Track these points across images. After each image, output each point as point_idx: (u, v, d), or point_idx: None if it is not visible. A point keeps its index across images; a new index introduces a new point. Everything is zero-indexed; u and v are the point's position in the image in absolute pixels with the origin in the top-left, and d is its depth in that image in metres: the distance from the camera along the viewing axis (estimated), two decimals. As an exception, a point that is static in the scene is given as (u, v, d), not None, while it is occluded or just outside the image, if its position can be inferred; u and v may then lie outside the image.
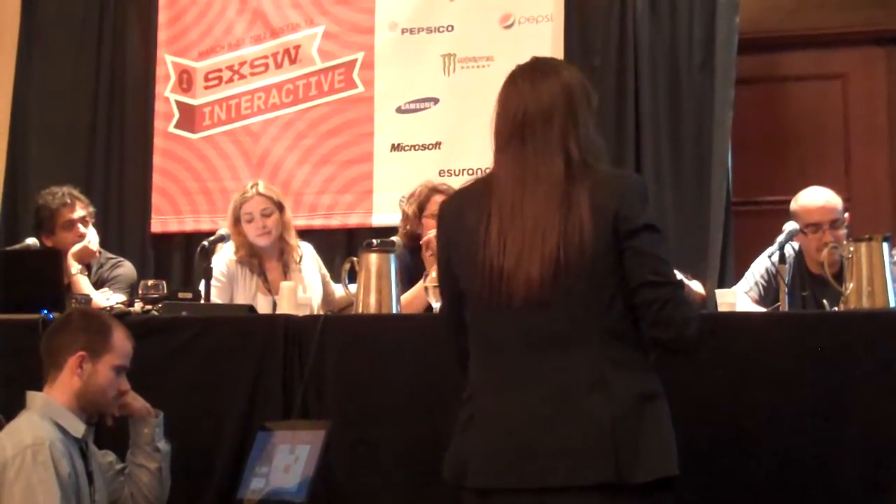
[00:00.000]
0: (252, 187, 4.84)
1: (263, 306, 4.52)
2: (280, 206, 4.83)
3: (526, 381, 2.45)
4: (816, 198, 4.50)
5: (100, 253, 5.03)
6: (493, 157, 2.58)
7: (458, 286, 2.59)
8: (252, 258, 4.77)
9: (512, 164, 2.51)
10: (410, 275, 4.34)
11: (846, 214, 4.54)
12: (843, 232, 4.42)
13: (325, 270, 4.91)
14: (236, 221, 4.77)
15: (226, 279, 4.71)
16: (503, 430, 2.45)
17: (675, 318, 2.47)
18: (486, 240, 2.47)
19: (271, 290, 4.66)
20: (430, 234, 4.48)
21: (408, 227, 4.68)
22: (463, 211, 2.57)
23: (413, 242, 4.62)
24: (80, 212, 4.97)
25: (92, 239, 4.94)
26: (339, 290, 4.75)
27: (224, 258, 4.76)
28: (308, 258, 4.85)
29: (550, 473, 2.39)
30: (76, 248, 4.85)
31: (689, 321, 2.49)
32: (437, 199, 4.64)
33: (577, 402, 2.41)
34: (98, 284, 4.89)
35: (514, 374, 2.47)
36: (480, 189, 2.56)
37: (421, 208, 4.65)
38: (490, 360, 2.53)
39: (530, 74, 2.58)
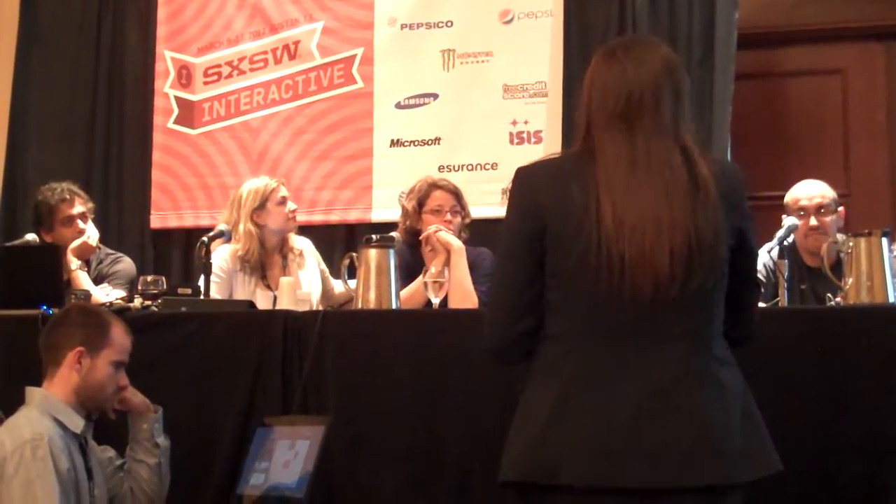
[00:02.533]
0: (273, 180, 4.83)
1: (263, 302, 4.52)
2: None
3: (635, 374, 2.28)
4: (803, 185, 4.65)
5: (99, 248, 5.04)
6: (591, 133, 2.38)
7: (544, 260, 2.36)
8: (255, 252, 4.76)
9: (619, 144, 2.32)
10: (410, 270, 4.34)
11: (840, 209, 4.58)
12: (830, 219, 4.49)
13: (324, 266, 4.91)
14: (261, 206, 4.74)
15: (225, 275, 4.71)
16: (608, 426, 2.26)
17: (757, 315, 2.53)
18: (600, 219, 2.27)
19: (271, 285, 4.65)
20: (430, 229, 4.48)
21: (407, 222, 4.67)
22: (562, 181, 2.35)
23: (412, 238, 4.62)
24: (79, 207, 4.98)
25: (91, 234, 4.94)
26: (338, 286, 4.75)
27: (222, 254, 4.75)
28: (308, 253, 4.85)
29: (658, 473, 2.24)
30: (75, 243, 4.86)
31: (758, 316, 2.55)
32: (437, 194, 4.64)
33: (687, 399, 2.28)
34: (97, 280, 4.89)
35: (623, 367, 2.29)
36: (577, 163, 2.36)
37: (421, 204, 4.65)
38: (596, 350, 2.31)
39: (633, 51, 2.42)
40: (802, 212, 4.53)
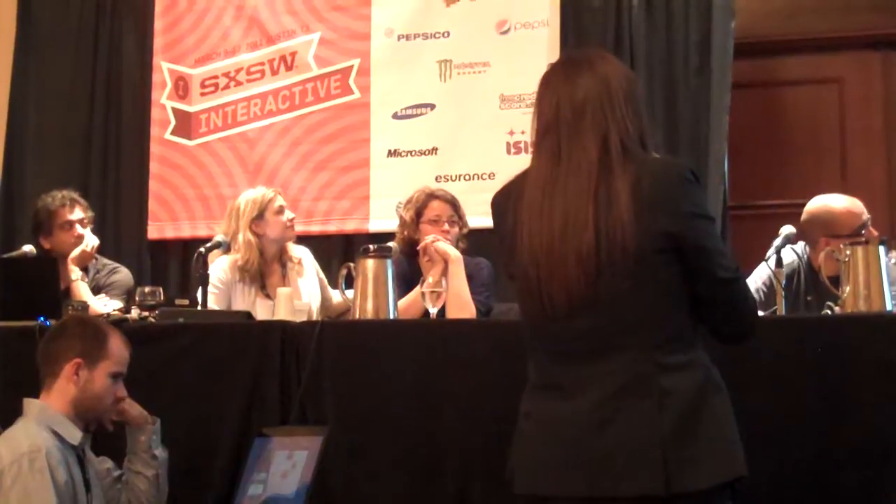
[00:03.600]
0: (270, 190, 4.83)
1: (263, 311, 4.52)
2: None
3: (573, 387, 2.34)
4: (853, 202, 4.47)
5: (96, 259, 5.04)
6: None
7: None
8: (255, 262, 4.75)
9: (545, 158, 2.39)
10: (407, 281, 4.34)
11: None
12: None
13: (322, 275, 4.91)
14: (259, 216, 4.75)
15: (223, 286, 4.70)
16: (549, 438, 2.36)
17: (748, 312, 2.47)
18: (520, 243, 2.37)
19: (270, 294, 4.65)
20: (428, 239, 4.48)
21: (405, 233, 4.67)
22: (506, 205, 2.45)
23: (410, 249, 4.62)
24: (79, 213, 5.00)
25: (90, 241, 4.95)
26: (336, 296, 4.74)
27: (221, 265, 4.75)
28: (306, 262, 4.84)
29: (596, 483, 2.28)
30: (75, 252, 4.86)
31: (755, 311, 2.52)
32: (435, 204, 4.64)
33: (624, 409, 2.29)
34: (95, 291, 4.89)
35: (561, 381, 2.36)
36: (518, 186, 2.44)
37: (419, 214, 4.65)
38: (539, 366, 2.43)
39: (563, 70, 2.46)
40: (861, 228, 4.36)
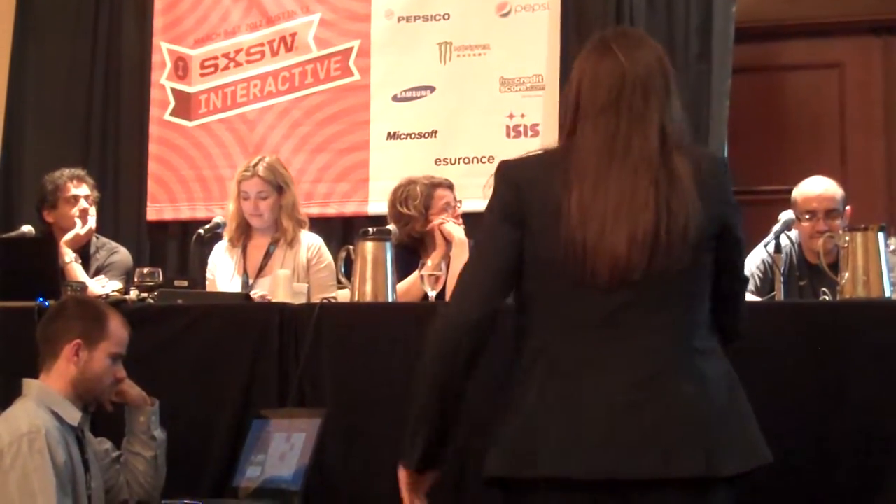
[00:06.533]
0: (255, 165, 4.75)
1: (234, 285, 4.51)
2: (280, 188, 4.74)
3: (612, 366, 2.27)
4: (815, 186, 4.52)
5: (97, 237, 5.05)
6: (576, 124, 2.39)
7: (517, 256, 2.35)
8: (241, 234, 4.74)
9: (601, 133, 2.33)
10: (408, 272, 4.30)
11: (847, 208, 4.54)
12: (839, 222, 4.42)
13: (322, 267, 4.74)
14: (237, 190, 4.75)
15: (211, 276, 4.71)
16: (584, 417, 2.25)
17: (746, 312, 2.52)
18: (568, 210, 2.28)
19: (247, 270, 4.63)
20: (437, 220, 4.48)
21: (416, 227, 4.61)
22: (544, 178, 2.35)
23: (414, 243, 4.61)
24: (85, 189, 5.02)
25: (87, 225, 4.95)
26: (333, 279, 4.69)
27: (216, 250, 4.76)
28: (304, 250, 4.74)
29: (637, 464, 2.22)
30: (69, 236, 4.86)
31: (747, 312, 2.54)
32: (440, 192, 4.63)
33: (666, 389, 2.26)
34: (95, 271, 4.90)
35: (599, 360, 2.28)
36: (560, 158, 2.37)
37: (427, 206, 4.62)
38: (567, 341, 2.31)
39: (624, 43, 2.40)
40: (810, 214, 4.47)
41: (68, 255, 4.79)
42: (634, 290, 2.27)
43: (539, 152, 2.48)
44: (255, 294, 4.11)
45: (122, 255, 5.09)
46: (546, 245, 2.31)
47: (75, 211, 4.95)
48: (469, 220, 4.70)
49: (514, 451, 2.32)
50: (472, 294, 2.38)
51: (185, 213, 6.25)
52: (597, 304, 2.29)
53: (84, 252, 4.94)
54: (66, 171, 5.04)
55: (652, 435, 2.23)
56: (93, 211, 5.02)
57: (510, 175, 2.41)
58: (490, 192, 2.45)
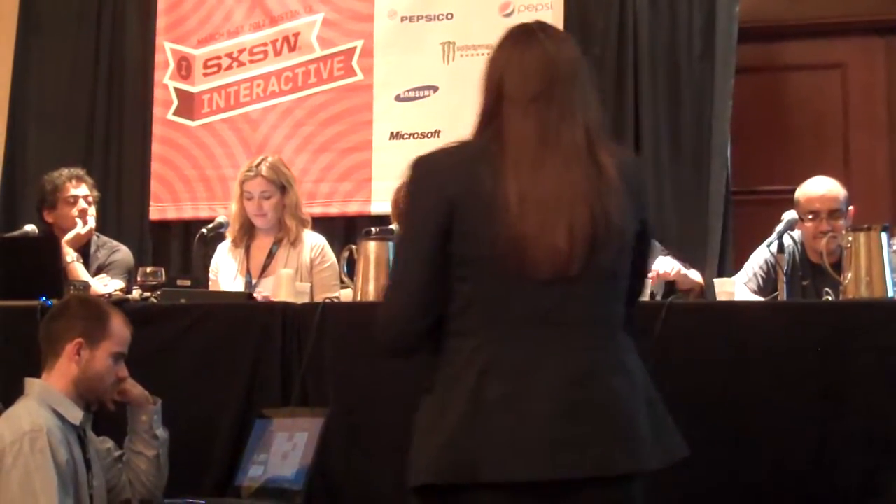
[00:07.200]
0: (258, 165, 4.73)
1: (237, 285, 4.51)
2: (283, 188, 4.73)
3: (549, 364, 2.22)
4: (818, 186, 4.52)
5: (98, 236, 5.05)
6: (499, 113, 2.35)
7: (448, 254, 2.27)
8: (244, 234, 4.73)
9: (533, 122, 2.28)
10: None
11: (850, 208, 4.53)
12: (842, 223, 4.42)
13: (325, 267, 4.73)
14: (240, 190, 4.74)
15: (214, 276, 4.71)
16: (525, 418, 2.19)
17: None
18: (506, 202, 2.21)
19: (251, 269, 4.63)
20: None
21: None
22: (471, 167, 2.29)
23: None
24: (84, 190, 5.02)
25: (86, 226, 4.95)
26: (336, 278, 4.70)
27: (219, 251, 4.76)
28: (307, 249, 4.74)
29: (580, 464, 2.19)
30: (69, 235, 4.87)
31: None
32: None
33: (602, 386, 2.24)
34: (97, 270, 4.90)
35: (537, 357, 2.23)
36: (484, 149, 2.31)
37: None
38: (509, 341, 2.24)
39: (551, 35, 2.38)
40: (813, 214, 4.47)
41: (70, 255, 4.79)
42: (571, 285, 2.24)
43: (455, 144, 2.41)
44: (258, 294, 4.11)
45: (124, 253, 5.10)
46: (480, 242, 2.25)
47: (74, 211, 4.95)
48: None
49: (450, 457, 2.22)
50: (413, 301, 2.32)
51: (188, 212, 6.25)
52: (534, 299, 2.24)
53: (84, 251, 4.95)
54: (65, 171, 5.04)
55: (591, 433, 2.21)
56: (92, 210, 5.02)
57: (432, 173, 2.36)
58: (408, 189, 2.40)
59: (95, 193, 5.10)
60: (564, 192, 2.23)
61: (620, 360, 2.30)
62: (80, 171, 5.09)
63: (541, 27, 2.42)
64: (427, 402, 2.32)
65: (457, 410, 2.23)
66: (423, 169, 2.37)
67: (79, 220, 4.94)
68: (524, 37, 2.39)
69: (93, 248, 5.02)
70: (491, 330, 2.26)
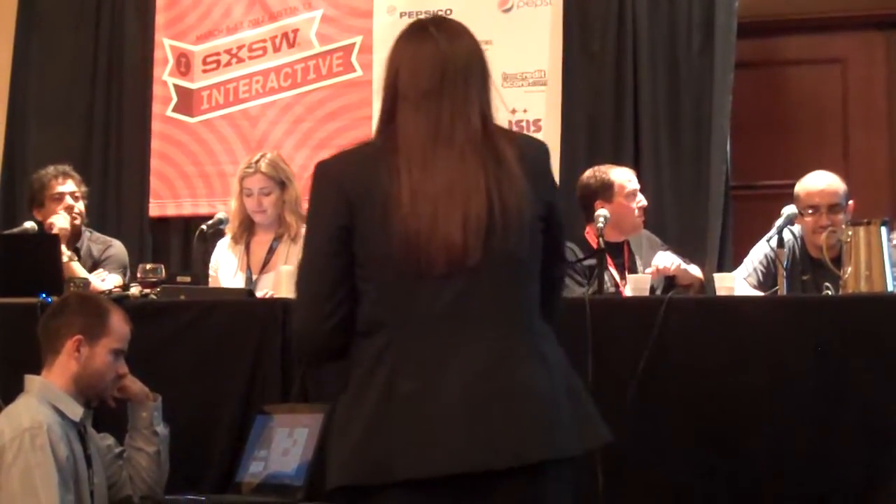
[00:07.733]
0: (257, 161, 4.72)
1: (237, 281, 4.51)
2: (282, 184, 4.72)
3: (455, 358, 2.21)
4: (818, 181, 4.51)
5: (90, 232, 5.04)
6: (395, 111, 2.36)
7: (352, 255, 2.28)
8: (244, 231, 4.73)
9: (424, 119, 2.29)
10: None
11: (850, 202, 4.53)
12: (841, 217, 4.41)
13: None
14: (240, 187, 4.74)
15: (214, 273, 4.71)
16: (437, 414, 2.18)
17: (561, 299, 2.54)
18: (398, 200, 2.22)
19: (251, 266, 4.63)
20: None
21: None
22: (367, 172, 2.28)
23: None
24: (70, 186, 4.98)
25: (61, 222, 4.89)
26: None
27: (219, 248, 4.75)
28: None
29: (495, 454, 2.16)
30: (52, 232, 4.81)
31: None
32: None
33: (513, 376, 2.22)
34: (93, 266, 4.89)
35: (443, 352, 2.21)
36: (381, 149, 2.31)
37: None
38: (412, 336, 2.23)
39: (445, 30, 2.39)
40: (813, 209, 4.46)
41: (65, 255, 4.78)
42: (472, 276, 2.23)
43: (356, 146, 2.41)
44: (259, 291, 4.11)
45: (118, 247, 5.08)
46: (378, 241, 2.25)
47: (60, 208, 4.92)
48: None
49: (364, 457, 2.22)
50: (318, 301, 2.32)
51: (187, 209, 6.24)
52: (436, 294, 2.23)
53: (75, 247, 4.92)
54: (51, 169, 5.01)
55: (505, 424, 2.18)
56: (80, 206, 4.99)
57: (331, 175, 2.34)
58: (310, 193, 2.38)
59: (84, 188, 5.07)
60: (458, 185, 2.23)
61: (534, 347, 2.27)
62: (67, 168, 5.05)
63: (434, 22, 2.44)
64: (341, 402, 2.32)
65: (368, 410, 2.23)
66: (323, 172, 2.37)
67: (58, 216, 4.88)
68: (417, 34, 2.41)
69: (84, 244, 5.00)
70: (397, 328, 2.25)
